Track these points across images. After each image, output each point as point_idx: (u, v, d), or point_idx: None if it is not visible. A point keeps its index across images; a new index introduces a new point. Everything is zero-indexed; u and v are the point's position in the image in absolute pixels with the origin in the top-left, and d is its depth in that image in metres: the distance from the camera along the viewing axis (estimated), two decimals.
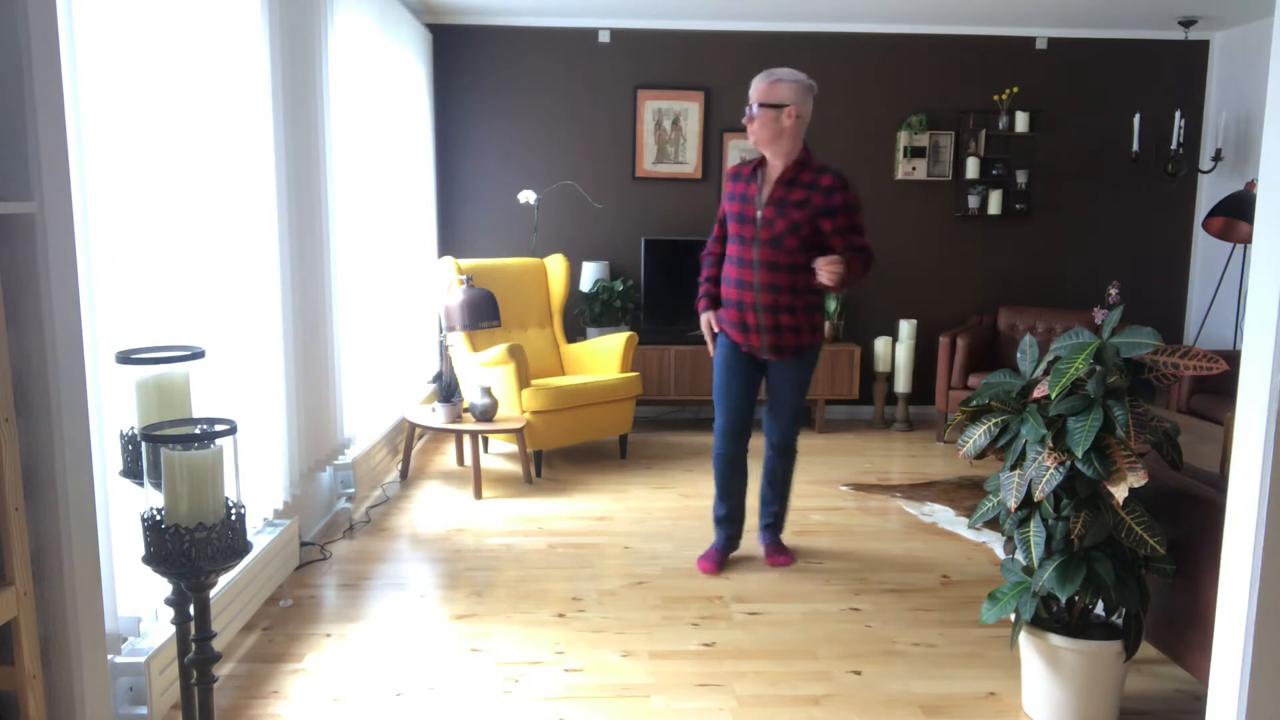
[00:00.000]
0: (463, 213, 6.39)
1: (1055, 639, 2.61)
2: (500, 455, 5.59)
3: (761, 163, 3.66)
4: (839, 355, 6.10)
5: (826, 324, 3.64)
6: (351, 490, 4.34)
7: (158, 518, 1.93)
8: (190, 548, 1.89)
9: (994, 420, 2.67)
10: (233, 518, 1.96)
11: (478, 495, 4.75)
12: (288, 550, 3.40)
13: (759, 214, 3.58)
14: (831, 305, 6.27)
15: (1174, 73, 6.38)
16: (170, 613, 2.30)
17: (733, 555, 3.96)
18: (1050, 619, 2.70)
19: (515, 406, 5.01)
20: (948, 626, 3.34)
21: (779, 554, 3.93)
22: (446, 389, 4.94)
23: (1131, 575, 2.52)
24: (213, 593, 2.27)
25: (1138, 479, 2.37)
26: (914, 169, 6.34)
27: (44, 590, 1.90)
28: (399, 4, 5.30)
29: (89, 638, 1.97)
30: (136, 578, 2.49)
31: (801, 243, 3.55)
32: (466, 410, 5.03)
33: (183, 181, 2.83)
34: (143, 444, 2.05)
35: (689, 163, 6.35)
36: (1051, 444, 2.49)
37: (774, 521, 3.97)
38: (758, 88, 3.56)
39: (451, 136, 6.31)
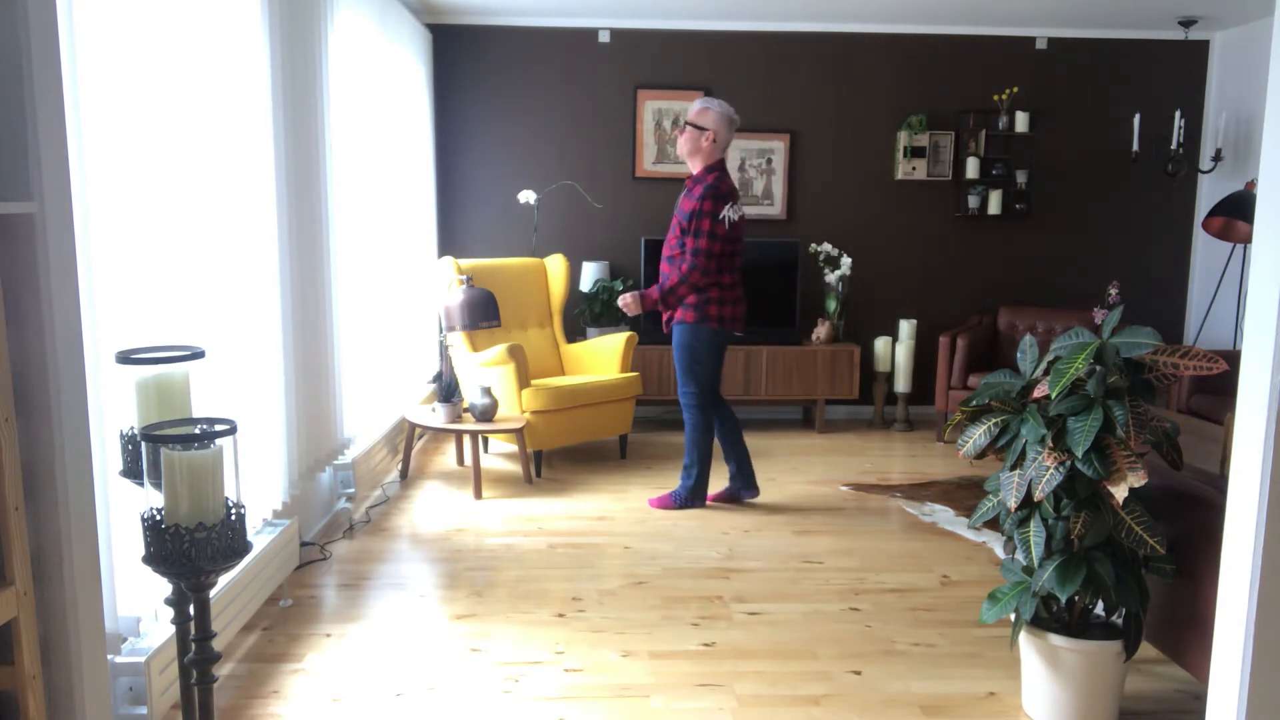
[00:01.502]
0: (463, 213, 6.39)
1: (1055, 639, 2.61)
2: (500, 455, 5.59)
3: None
4: (839, 355, 6.10)
5: (710, 309, 4.37)
6: (351, 490, 4.34)
7: (158, 518, 1.93)
8: (190, 548, 1.89)
9: (994, 420, 2.67)
10: (233, 518, 1.96)
11: (478, 495, 4.75)
12: (288, 550, 3.40)
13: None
14: (831, 305, 6.28)
15: (1174, 73, 6.38)
16: (170, 613, 2.30)
17: (732, 555, 3.98)
18: (1050, 619, 2.70)
19: (515, 406, 5.01)
20: (948, 626, 3.34)
21: (659, 497, 4.65)
22: (446, 389, 4.94)
23: (1131, 575, 2.52)
24: (213, 593, 2.27)
25: (1138, 479, 2.37)
26: (914, 169, 6.34)
27: (44, 590, 1.90)
28: (399, 4, 5.30)
29: (89, 638, 1.97)
30: (136, 578, 2.49)
31: (679, 240, 4.33)
32: (466, 410, 5.03)
33: (183, 182, 2.83)
34: (143, 444, 2.05)
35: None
36: (1051, 444, 2.49)
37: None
38: (691, 110, 4.31)
39: (451, 136, 6.31)
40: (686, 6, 5.86)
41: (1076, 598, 2.64)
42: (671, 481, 5.03)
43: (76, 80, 2.21)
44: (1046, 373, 2.61)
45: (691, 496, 4.60)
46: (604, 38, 6.26)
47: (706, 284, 4.29)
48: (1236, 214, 5.59)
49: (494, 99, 6.28)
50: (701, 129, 4.25)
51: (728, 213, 4.22)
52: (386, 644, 3.15)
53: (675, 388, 5.99)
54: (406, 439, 5.08)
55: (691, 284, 4.26)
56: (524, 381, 5.01)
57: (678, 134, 4.32)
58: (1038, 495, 2.47)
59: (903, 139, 6.30)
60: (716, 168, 4.29)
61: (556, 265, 5.77)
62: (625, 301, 4.41)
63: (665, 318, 4.48)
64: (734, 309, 4.36)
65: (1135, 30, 6.26)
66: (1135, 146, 6.11)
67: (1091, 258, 6.54)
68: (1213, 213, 5.70)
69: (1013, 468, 2.60)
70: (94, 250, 2.29)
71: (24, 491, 1.83)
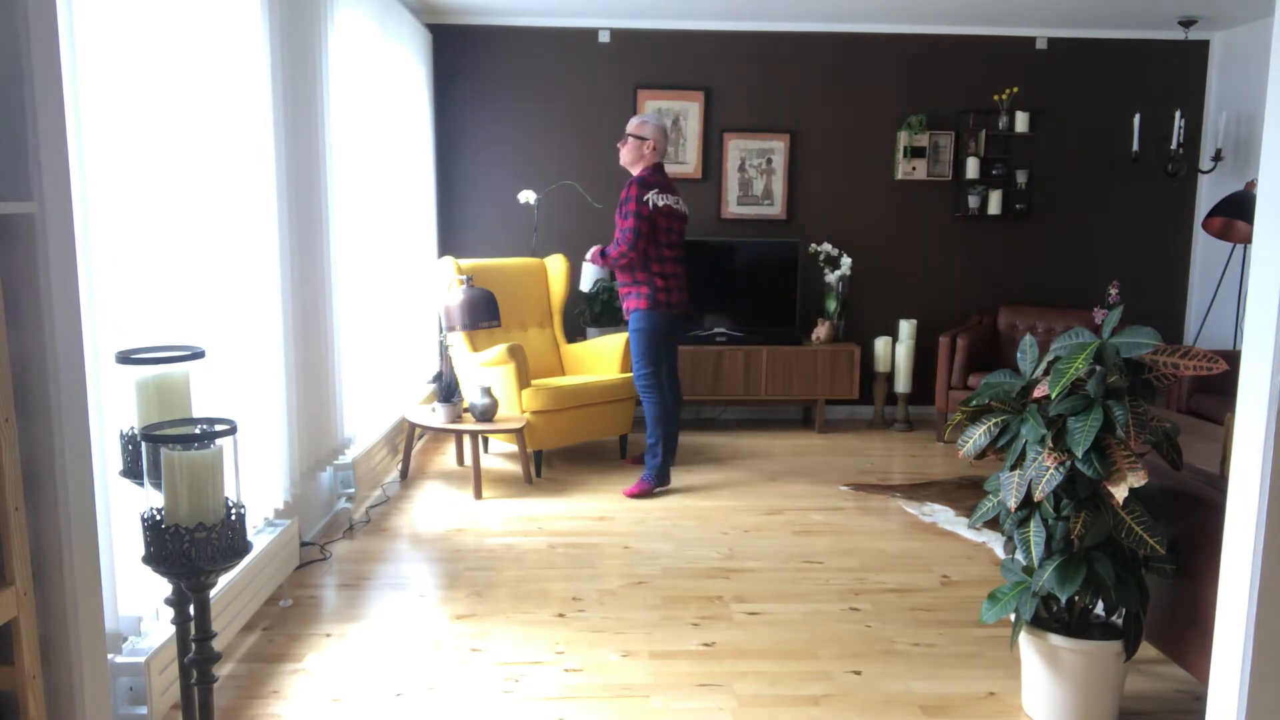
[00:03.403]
0: (463, 213, 6.39)
1: (1055, 639, 2.61)
2: (500, 455, 5.59)
3: None
4: (839, 355, 6.10)
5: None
6: (351, 490, 4.34)
7: (158, 518, 1.93)
8: (190, 548, 1.89)
9: (994, 420, 2.67)
10: (233, 518, 1.96)
11: (478, 495, 4.75)
12: (288, 550, 3.40)
13: None
14: (831, 305, 6.28)
15: (1174, 73, 6.38)
16: (170, 613, 2.31)
17: (732, 555, 3.99)
18: (1050, 619, 2.70)
19: (515, 406, 5.01)
20: (948, 626, 3.34)
21: (633, 486, 4.85)
22: (446, 389, 4.94)
23: (1131, 575, 2.52)
24: (213, 593, 2.27)
25: (1138, 479, 2.37)
26: (914, 169, 6.34)
27: (44, 590, 1.90)
28: (399, 4, 5.30)
29: (89, 638, 1.97)
30: (136, 578, 2.49)
31: (615, 237, 4.73)
32: (466, 410, 5.03)
33: (183, 182, 2.83)
34: (143, 444, 2.05)
35: (689, 163, 6.35)
36: (1051, 444, 2.49)
37: (644, 455, 4.92)
38: (632, 124, 4.77)
39: (451, 136, 6.31)
40: (686, 6, 5.86)
41: (1076, 598, 2.64)
42: (672, 480, 5.03)
43: (76, 80, 2.21)
44: (1046, 373, 2.61)
45: (660, 474, 4.86)
46: (604, 38, 6.26)
47: (655, 272, 4.70)
48: (1236, 214, 5.59)
49: (494, 99, 6.28)
50: (642, 139, 4.71)
51: (651, 196, 4.64)
52: (386, 644, 3.15)
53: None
54: (406, 439, 5.08)
55: (620, 252, 4.66)
56: (524, 381, 5.01)
57: (620, 146, 4.78)
58: (1038, 495, 2.47)
59: (903, 139, 6.30)
60: (651, 168, 4.75)
61: (556, 265, 5.77)
62: (595, 255, 4.83)
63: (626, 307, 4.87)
64: (679, 295, 4.80)
65: (1135, 30, 6.26)
66: (1135, 146, 6.11)
67: (1091, 258, 6.54)
68: (1213, 213, 5.70)
69: (1013, 468, 2.60)
70: (94, 250, 2.29)
71: (24, 491, 1.83)
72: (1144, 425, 2.41)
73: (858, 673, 2.99)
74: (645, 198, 4.64)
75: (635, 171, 4.77)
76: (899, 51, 6.31)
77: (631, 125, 4.79)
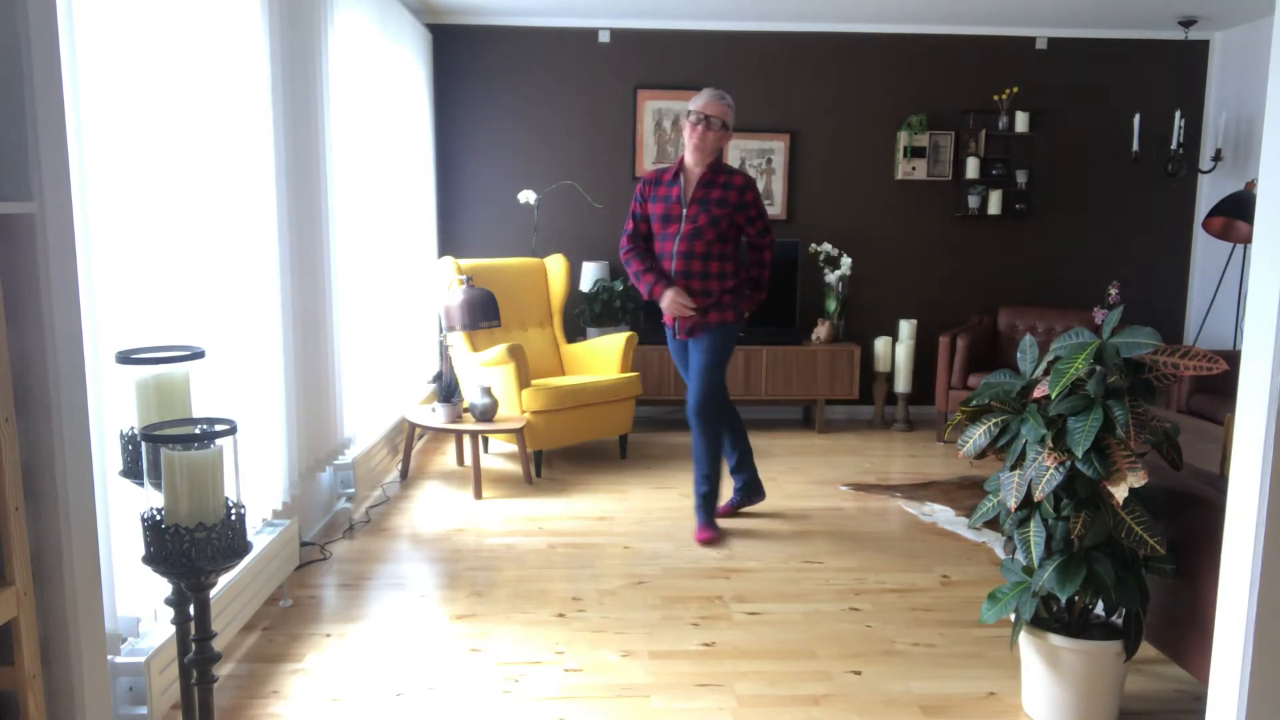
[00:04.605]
0: (463, 213, 6.39)
1: (1055, 639, 2.61)
2: (500, 455, 5.59)
3: (679, 168, 4.19)
4: (839, 355, 6.10)
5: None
6: (351, 490, 4.34)
7: (158, 518, 1.93)
8: (190, 548, 1.89)
9: (994, 420, 2.67)
10: (233, 518, 1.96)
11: (478, 495, 4.75)
12: (288, 550, 3.40)
13: (684, 211, 4.12)
14: (831, 305, 6.28)
15: (1174, 73, 6.38)
16: (170, 613, 2.30)
17: (732, 556, 3.99)
18: (1050, 619, 2.70)
19: (515, 406, 5.01)
20: (948, 626, 3.34)
21: (703, 530, 4.20)
22: (446, 389, 4.94)
23: (1131, 575, 2.52)
24: (213, 593, 2.27)
25: (1138, 479, 2.37)
26: (914, 169, 6.34)
27: (44, 590, 1.90)
28: (399, 4, 5.30)
29: (89, 638, 1.97)
30: (136, 578, 2.49)
31: (718, 235, 4.08)
32: (466, 410, 5.03)
33: (182, 182, 2.83)
34: (143, 444, 2.05)
35: None
36: (1051, 444, 2.49)
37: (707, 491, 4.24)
38: (717, 106, 4.06)
39: (451, 136, 6.31)
40: (686, 6, 5.86)
41: (1076, 598, 2.64)
42: (673, 481, 5.03)
43: (76, 80, 2.21)
44: (1046, 373, 2.61)
45: (749, 491, 4.48)
46: (604, 38, 6.26)
47: (743, 279, 4.19)
48: (1236, 214, 5.59)
49: (494, 99, 6.28)
50: (726, 127, 4.07)
51: None
52: (386, 644, 3.15)
53: (674, 388, 6.04)
54: (406, 439, 5.08)
55: (770, 260, 4.22)
56: (524, 381, 5.01)
57: (702, 130, 4.00)
58: (1038, 495, 2.47)
59: (903, 139, 6.30)
60: (720, 156, 4.20)
61: (556, 265, 5.77)
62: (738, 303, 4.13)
63: (690, 324, 4.11)
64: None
65: (1135, 30, 6.26)
66: (1135, 146, 6.11)
67: (1091, 258, 6.54)
68: (1213, 213, 5.70)
69: (1013, 468, 2.60)
70: (94, 250, 2.30)
71: (24, 491, 1.83)
72: (1144, 425, 2.41)
73: (858, 673, 2.99)
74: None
75: (703, 161, 4.07)
76: (899, 51, 6.31)
77: (717, 108, 4.03)
